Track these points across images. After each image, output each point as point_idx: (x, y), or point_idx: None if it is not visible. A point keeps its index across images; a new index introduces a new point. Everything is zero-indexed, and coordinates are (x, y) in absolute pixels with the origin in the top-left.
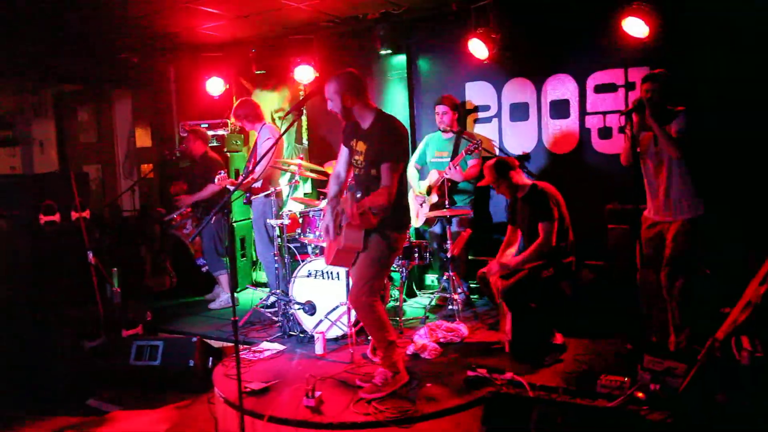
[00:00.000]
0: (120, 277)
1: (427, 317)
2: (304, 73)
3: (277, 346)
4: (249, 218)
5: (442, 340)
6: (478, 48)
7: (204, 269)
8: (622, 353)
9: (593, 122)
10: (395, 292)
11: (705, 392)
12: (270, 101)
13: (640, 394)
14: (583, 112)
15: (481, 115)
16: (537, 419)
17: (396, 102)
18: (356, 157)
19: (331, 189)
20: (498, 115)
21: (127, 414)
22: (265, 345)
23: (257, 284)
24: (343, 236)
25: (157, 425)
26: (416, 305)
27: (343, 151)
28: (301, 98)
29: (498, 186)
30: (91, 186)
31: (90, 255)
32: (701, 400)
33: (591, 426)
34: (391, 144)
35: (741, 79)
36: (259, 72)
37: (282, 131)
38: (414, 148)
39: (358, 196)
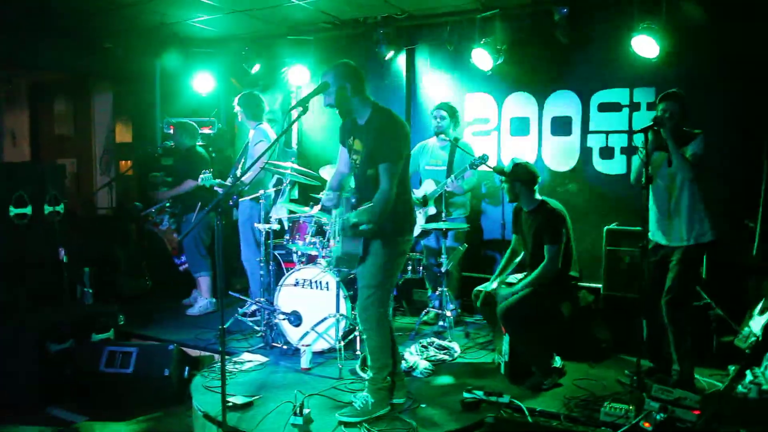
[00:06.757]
0: (92, 277)
1: (417, 332)
2: (299, 76)
3: (260, 358)
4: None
5: (433, 358)
6: (481, 58)
7: (182, 268)
8: (624, 380)
9: (595, 141)
10: None
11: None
12: None
13: (647, 424)
14: (585, 130)
15: (480, 127)
16: None
17: (393, 108)
18: (353, 156)
19: (332, 186)
20: (497, 128)
21: (94, 425)
22: (246, 356)
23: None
24: (341, 244)
25: None
26: (404, 322)
27: (342, 151)
28: (306, 94)
29: (518, 191)
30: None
31: (61, 252)
32: None
33: None
34: (389, 141)
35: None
36: (252, 71)
37: (285, 127)
38: None
39: (353, 201)
